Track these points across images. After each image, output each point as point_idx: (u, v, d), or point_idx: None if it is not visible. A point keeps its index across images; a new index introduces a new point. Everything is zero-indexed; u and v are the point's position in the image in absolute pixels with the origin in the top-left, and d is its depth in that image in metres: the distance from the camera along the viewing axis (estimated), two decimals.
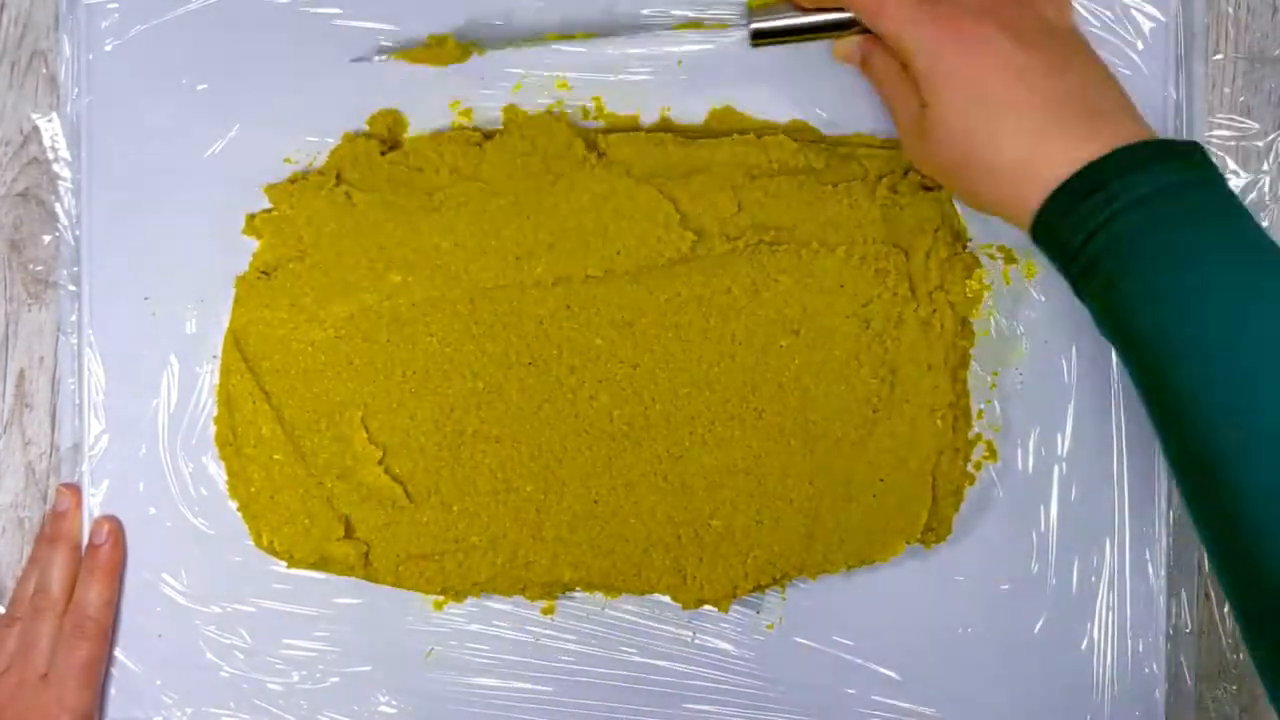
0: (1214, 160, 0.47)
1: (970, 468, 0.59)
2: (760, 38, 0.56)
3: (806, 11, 0.56)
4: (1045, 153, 0.47)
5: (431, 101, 0.60)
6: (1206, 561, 0.61)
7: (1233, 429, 0.43)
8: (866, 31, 0.54)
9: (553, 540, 0.58)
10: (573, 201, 0.57)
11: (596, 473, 0.58)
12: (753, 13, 0.56)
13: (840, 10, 0.55)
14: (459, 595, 0.59)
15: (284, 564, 0.59)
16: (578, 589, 0.59)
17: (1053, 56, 0.48)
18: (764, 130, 0.59)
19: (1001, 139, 0.47)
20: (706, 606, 0.59)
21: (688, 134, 0.59)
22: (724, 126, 0.59)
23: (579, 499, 0.58)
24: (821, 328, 0.57)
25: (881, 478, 0.57)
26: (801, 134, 0.59)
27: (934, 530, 0.58)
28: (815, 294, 0.57)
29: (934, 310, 0.57)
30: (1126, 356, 0.47)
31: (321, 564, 0.59)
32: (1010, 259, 0.59)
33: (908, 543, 0.57)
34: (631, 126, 0.60)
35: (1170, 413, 0.45)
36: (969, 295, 0.58)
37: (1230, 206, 0.46)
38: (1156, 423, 0.46)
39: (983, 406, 0.59)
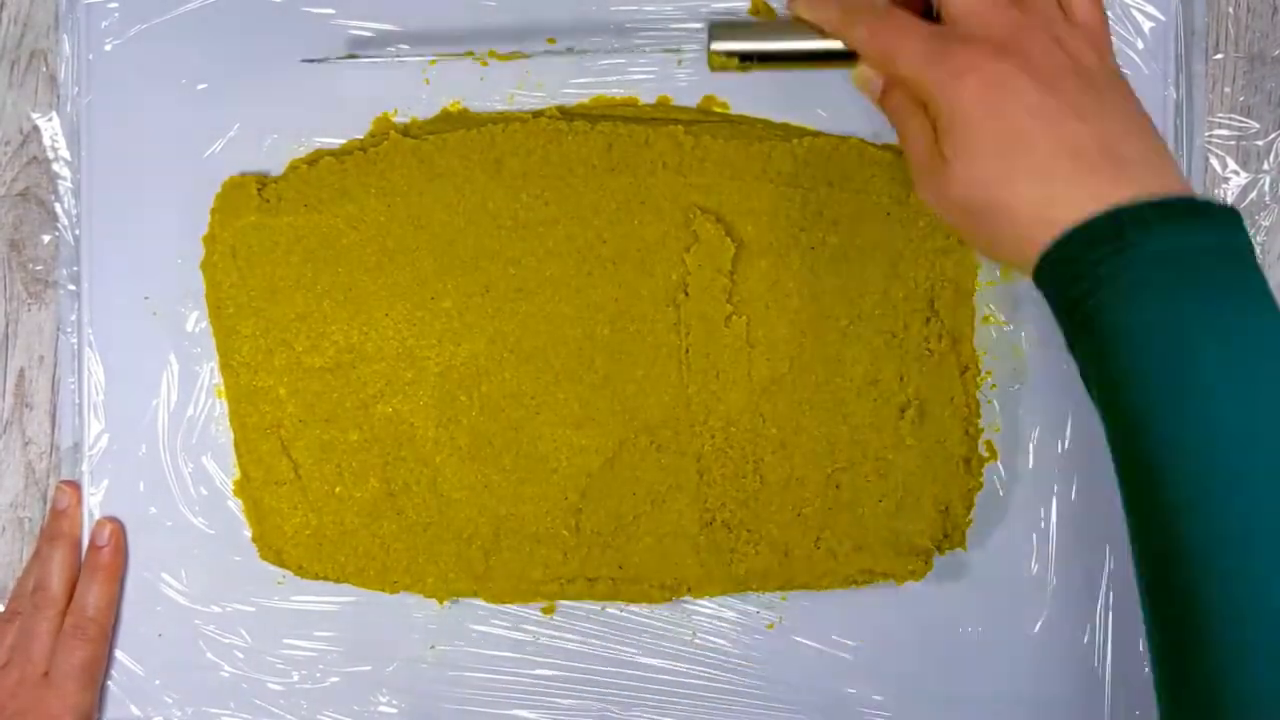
0: (1246, 228, 0.43)
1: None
2: (724, 58, 0.51)
3: (787, 34, 0.51)
4: (1058, 199, 0.44)
5: (431, 101, 0.60)
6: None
7: (1201, 524, 0.40)
8: (850, 60, 0.50)
9: (563, 540, 0.58)
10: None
11: (611, 475, 0.58)
12: (715, 31, 0.51)
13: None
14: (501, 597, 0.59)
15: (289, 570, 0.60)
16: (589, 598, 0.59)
17: (1082, 99, 0.45)
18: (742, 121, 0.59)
19: (1016, 184, 0.45)
20: (706, 605, 0.59)
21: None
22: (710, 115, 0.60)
23: (589, 501, 0.58)
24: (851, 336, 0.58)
25: (898, 490, 0.58)
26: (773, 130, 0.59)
27: (949, 537, 0.58)
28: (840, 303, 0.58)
29: (941, 337, 0.58)
30: (1108, 426, 0.44)
31: (331, 576, 0.59)
32: None
33: (925, 558, 0.58)
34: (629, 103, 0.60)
35: (1138, 494, 0.43)
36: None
37: (1253, 284, 0.42)
38: (1124, 497, 0.44)
39: (984, 406, 0.59)
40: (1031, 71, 0.45)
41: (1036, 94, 0.45)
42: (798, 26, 0.50)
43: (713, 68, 0.51)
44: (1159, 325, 0.42)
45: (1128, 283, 0.42)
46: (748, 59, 0.51)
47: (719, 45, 0.51)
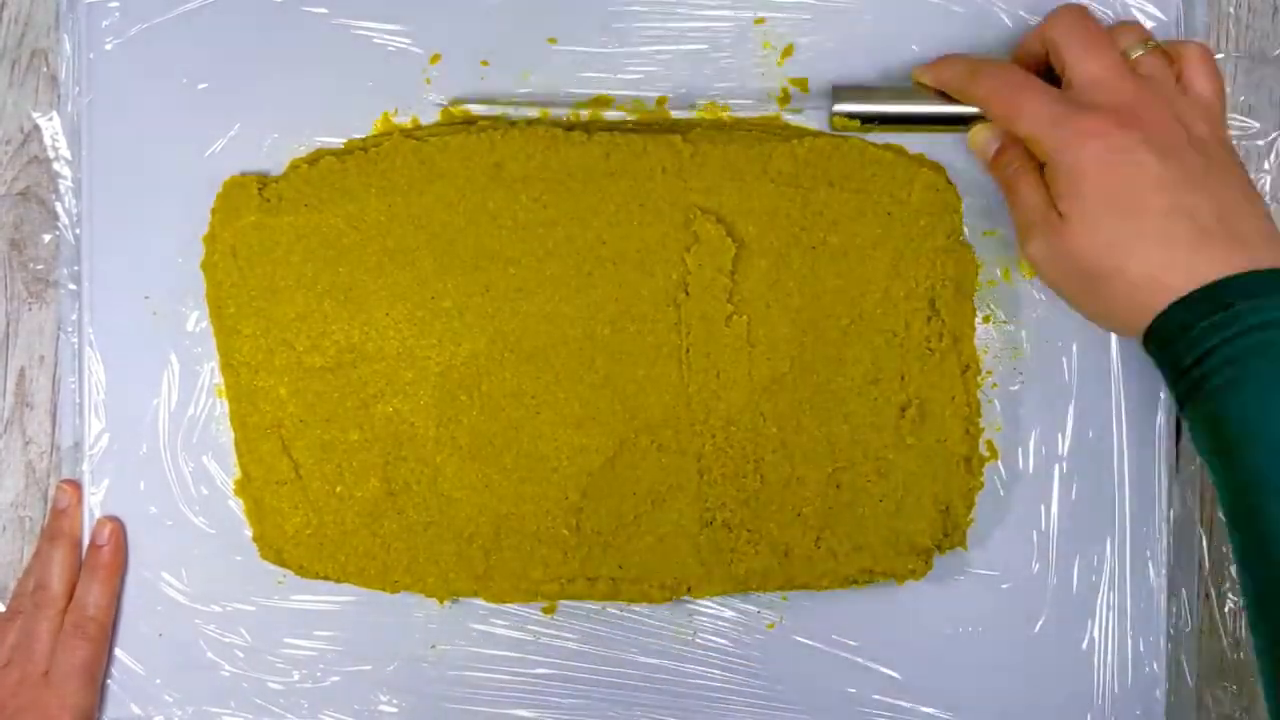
0: None
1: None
2: (846, 119, 0.56)
3: (907, 98, 0.55)
4: (1174, 265, 0.47)
5: (431, 102, 0.60)
6: (1206, 561, 0.61)
7: None
8: (964, 124, 0.55)
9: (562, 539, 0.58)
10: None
11: (606, 473, 0.58)
12: (838, 93, 0.56)
13: (955, 104, 0.54)
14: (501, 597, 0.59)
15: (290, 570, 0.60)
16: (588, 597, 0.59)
17: (1195, 171, 0.48)
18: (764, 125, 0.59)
19: (1133, 247, 0.47)
20: (707, 605, 0.60)
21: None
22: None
23: (593, 498, 0.58)
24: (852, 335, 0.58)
25: (899, 489, 0.58)
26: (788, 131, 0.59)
27: (949, 536, 0.58)
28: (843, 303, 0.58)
29: (943, 336, 0.58)
30: (1221, 485, 0.47)
31: (331, 575, 0.59)
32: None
33: (926, 558, 0.58)
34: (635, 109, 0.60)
35: (1256, 549, 0.45)
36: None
37: None
38: (1237, 551, 0.46)
39: (983, 406, 0.59)
40: (1152, 142, 0.48)
41: (1157, 164, 0.47)
42: (918, 91, 0.55)
43: (834, 128, 0.56)
44: (1269, 385, 0.44)
45: (1239, 350, 0.44)
46: (869, 120, 0.56)
47: (841, 108, 0.56)
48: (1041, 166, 0.51)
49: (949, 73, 0.54)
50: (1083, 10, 0.52)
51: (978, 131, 0.54)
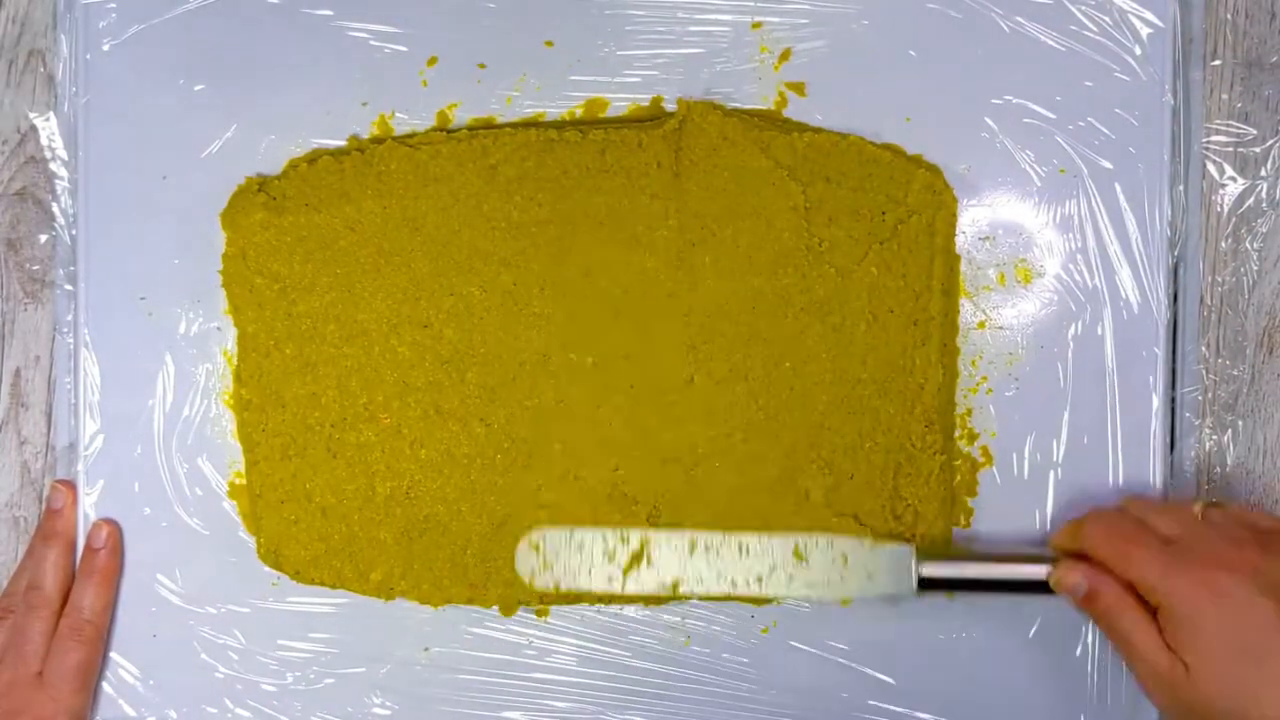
0: None
1: (951, 476, 0.59)
2: (927, 588, 0.56)
3: (991, 562, 0.56)
4: None
5: (429, 103, 0.60)
6: None
7: None
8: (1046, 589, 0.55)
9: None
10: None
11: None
12: (920, 558, 0.56)
13: (1038, 562, 0.55)
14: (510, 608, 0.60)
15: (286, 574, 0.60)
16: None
17: None
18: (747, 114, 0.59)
19: (1261, 693, 0.48)
20: (701, 608, 0.60)
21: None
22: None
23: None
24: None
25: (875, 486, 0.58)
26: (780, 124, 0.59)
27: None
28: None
29: (926, 340, 0.58)
30: None
31: (328, 582, 0.59)
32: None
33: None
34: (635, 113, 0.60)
35: None
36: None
37: None
38: None
39: (978, 411, 0.59)
40: (1261, 582, 0.49)
41: (1271, 605, 0.49)
42: (996, 556, 0.56)
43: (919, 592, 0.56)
44: None
45: None
46: (954, 587, 0.56)
47: (928, 570, 0.55)
48: (1153, 611, 0.51)
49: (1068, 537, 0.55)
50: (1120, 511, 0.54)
51: (1065, 573, 0.54)
